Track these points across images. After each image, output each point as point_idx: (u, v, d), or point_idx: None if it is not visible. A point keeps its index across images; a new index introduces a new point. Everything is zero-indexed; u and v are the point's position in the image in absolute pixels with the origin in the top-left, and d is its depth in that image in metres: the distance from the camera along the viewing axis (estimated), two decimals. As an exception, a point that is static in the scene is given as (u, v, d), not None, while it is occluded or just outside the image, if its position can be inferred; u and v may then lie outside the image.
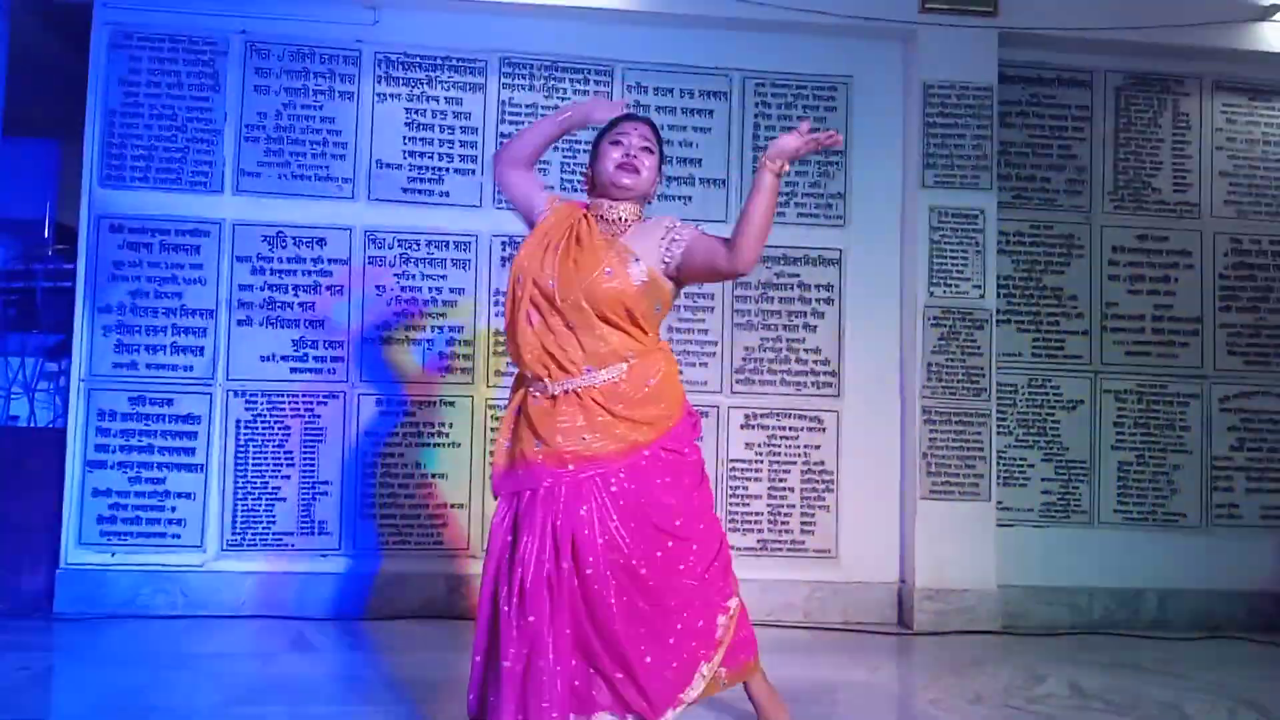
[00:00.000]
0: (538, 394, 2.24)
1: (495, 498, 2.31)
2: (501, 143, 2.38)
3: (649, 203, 2.41)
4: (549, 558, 2.13)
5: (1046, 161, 4.32)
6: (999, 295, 4.14)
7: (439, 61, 4.05)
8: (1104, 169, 4.34)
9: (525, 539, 2.15)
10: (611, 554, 2.15)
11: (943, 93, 4.12)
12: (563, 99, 4.08)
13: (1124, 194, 4.35)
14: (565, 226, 2.30)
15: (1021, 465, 4.21)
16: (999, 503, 4.08)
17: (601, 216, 2.33)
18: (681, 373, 4.01)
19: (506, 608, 2.13)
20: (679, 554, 2.23)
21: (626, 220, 2.33)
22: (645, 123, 2.40)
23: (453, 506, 3.93)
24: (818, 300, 4.17)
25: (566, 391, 2.21)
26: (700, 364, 4.10)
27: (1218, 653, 3.76)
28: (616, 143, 2.34)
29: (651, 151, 2.35)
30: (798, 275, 4.16)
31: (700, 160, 4.15)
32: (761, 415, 4.11)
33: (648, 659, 2.15)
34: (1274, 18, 4.23)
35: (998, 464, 4.09)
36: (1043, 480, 4.22)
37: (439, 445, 3.94)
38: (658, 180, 2.41)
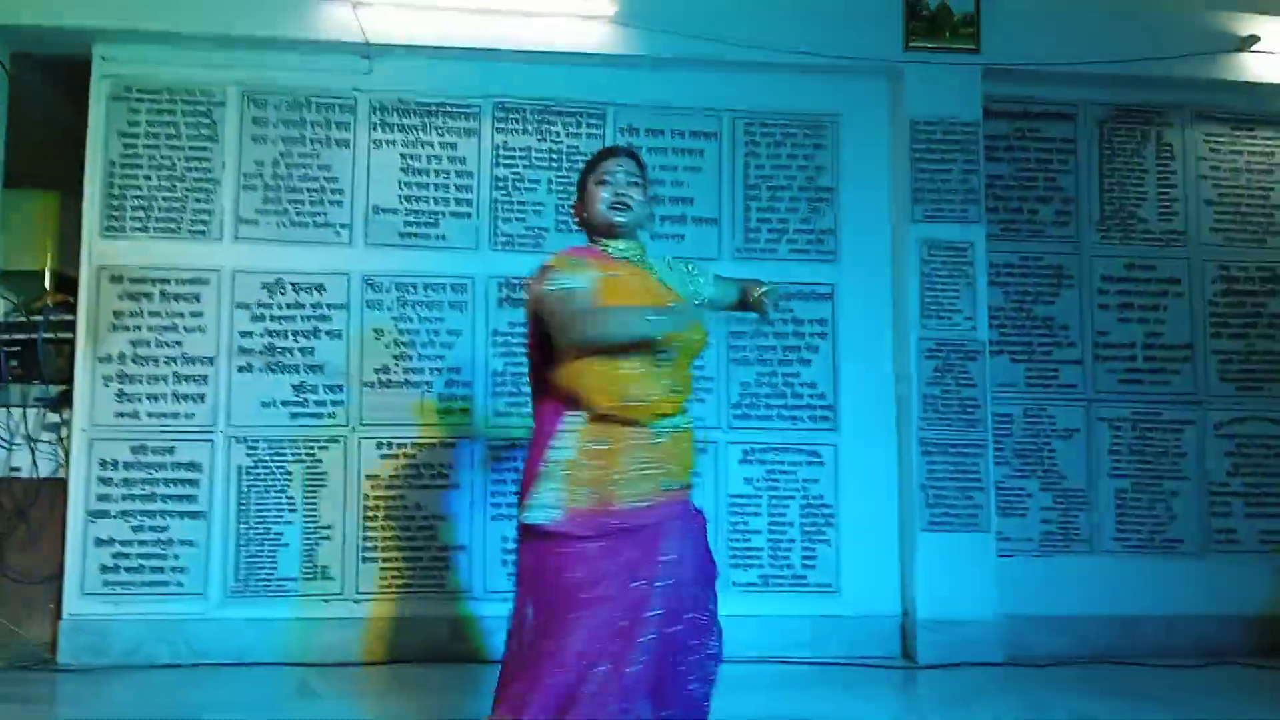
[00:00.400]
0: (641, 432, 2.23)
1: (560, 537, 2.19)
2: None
3: (643, 229, 2.45)
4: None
5: (1034, 194, 4.39)
6: (991, 326, 4.19)
7: (433, 107, 4.11)
8: (1091, 200, 4.41)
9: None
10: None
11: (929, 128, 4.18)
12: (556, 141, 4.14)
13: (1111, 224, 4.41)
14: (628, 274, 2.32)
15: (1020, 495, 4.24)
16: (999, 533, 4.10)
17: (617, 259, 2.36)
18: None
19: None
20: None
21: (639, 259, 2.38)
22: (628, 156, 2.42)
23: (454, 549, 3.94)
24: (812, 334, 4.21)
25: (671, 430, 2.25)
26: (698, 399, 4.13)
27: (1220, 679, 3.77)
28: (603, 182, 2.37)
29: (638, 184, 2.38)
30: (792, 310, 4.20)
31: (692, 199, 4.20)
32: (760, 450, 4.13)
33: None
34: (1253, 48, 4.31)
35: (996, 494, 4.11)
36: (1041, 509, 4.24)
37: (440, 487, 3.95)
38: (650, 210, 2.46)
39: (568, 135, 4.16)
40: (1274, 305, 4.44)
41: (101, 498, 3.82)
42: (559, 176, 4.14)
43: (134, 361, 3.88)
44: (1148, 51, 4.24)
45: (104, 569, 3.80)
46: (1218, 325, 4.40)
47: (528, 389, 3.97)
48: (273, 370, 3.93)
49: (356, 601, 3.87)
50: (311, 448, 3.90)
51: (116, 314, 3.89)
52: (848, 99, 4.28)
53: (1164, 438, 4.32)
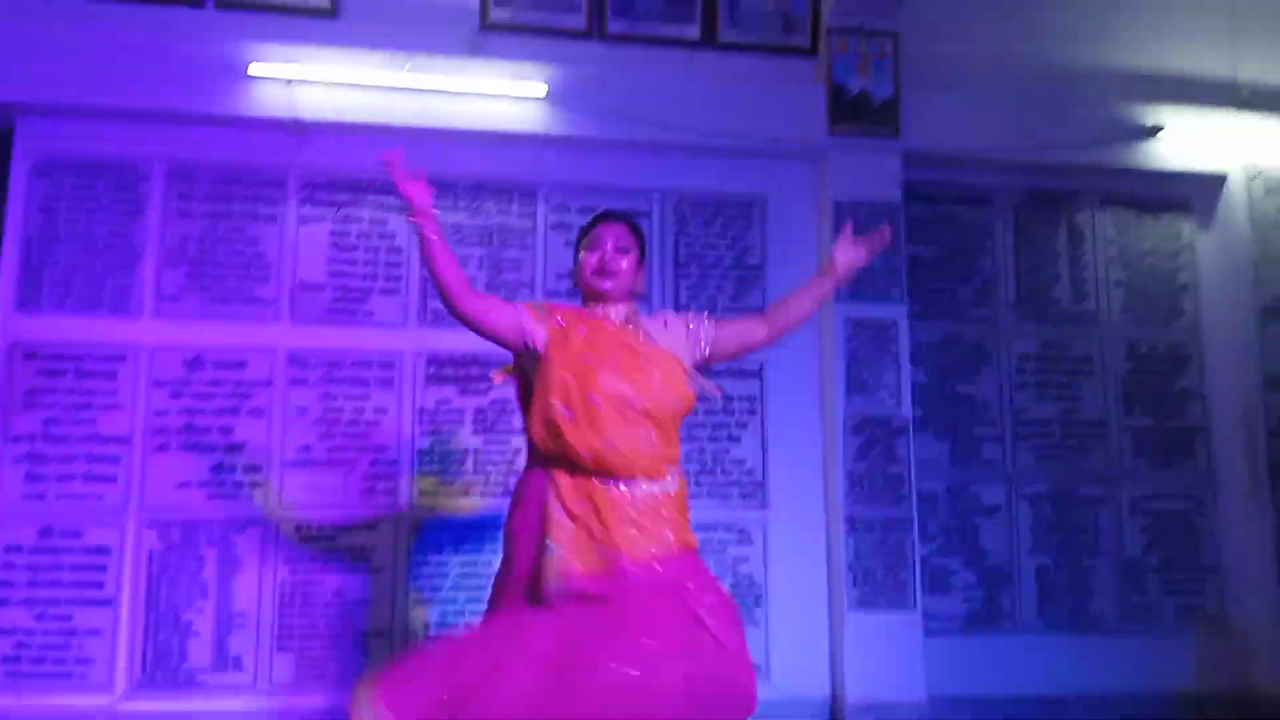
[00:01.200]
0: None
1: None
2: (440, 279, 2.40)
3: (638, 295, 2.50)
4: None
5: (953, 274, 4.52)
6: (915, 404, 4.26)
7: (364, 183, 4.10)
8: (1007, 281, 4.55)
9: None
10: None
11: (853, 210, 4.27)
12: (487, 219, 4.16)
13: (1027, 305, 4.55)
14: (604, 335, 2.36)
15: (945, 572, 4.28)
16: (925, 611, 4.13)
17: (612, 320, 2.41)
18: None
19: None
20: None
21: (629, 321, 2.42)
22: (620, 223, 2.48)
23: (374, 634, 3.84)
24: (741, 411, 4.25)
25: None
26: (627, 478, 4.11)
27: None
28: (592, 248, 2.42)
29: (627, 251, 2.43)
30: (722, 388, 4.22)
31: (623, 277, 4.24)
32: (692, 529, 4.11)
33: None
34: (1157, 137, 4.52)
35: (922, 571, 4.14)
36: (966, 587, 4.29)
37: (360, 570, 3.86)
38: (641, 273, 2.49)
39: (499, 213, 4.19)
40: (1182, 383, 4.60)
41: (4, 584, 3.66)
42: (490, 253, 4.15)
43: (45, 440, 3.75)
44: (1058, 140, 4.43)
45: (5, 659, 3.62)
46: (1129, 403, 4.54)
47: (455, 468, 4.01)
48: (189, 450, 3.84)
49: (270, 694, 3.73)
50: (227, 530, 3.80)
51: (30, 391, 3.77)
52: (774, 181, 4.38)
53: (1082, 514, 4.42)
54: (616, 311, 2.42)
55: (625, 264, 2.41)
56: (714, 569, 4.02)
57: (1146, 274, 4.67)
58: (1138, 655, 4.30)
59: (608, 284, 2.40)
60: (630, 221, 2.50)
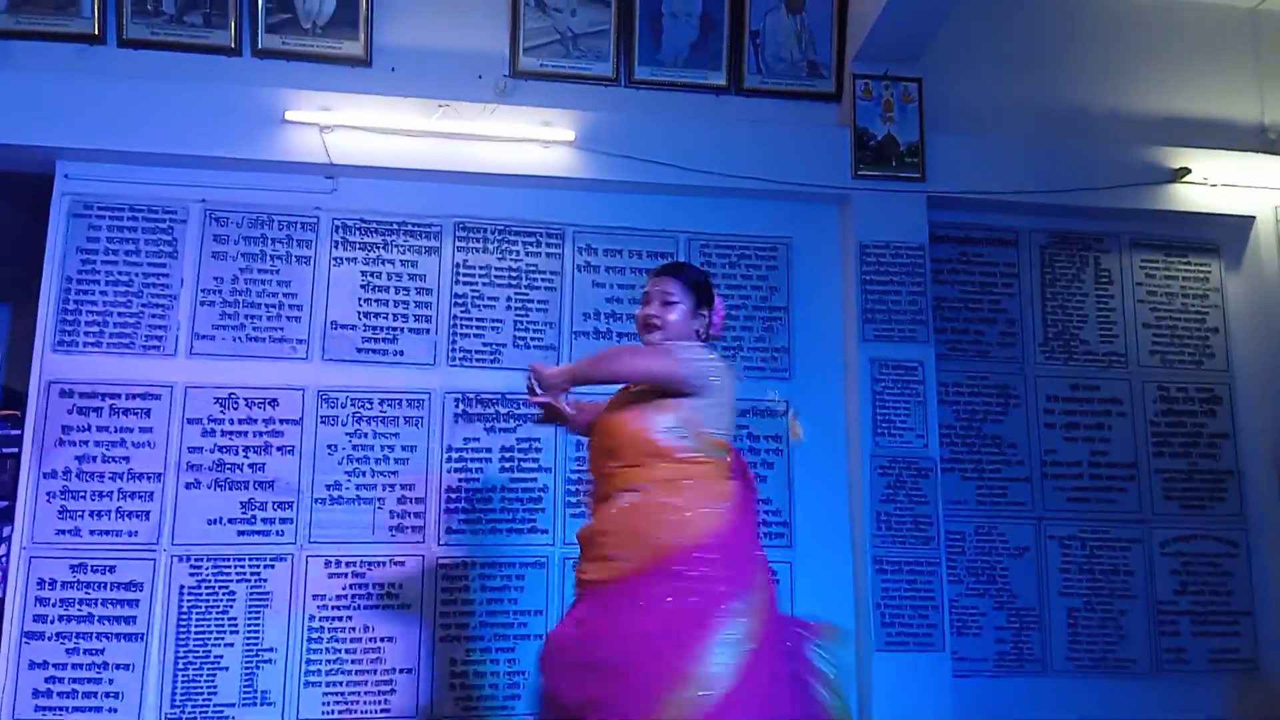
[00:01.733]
0: None
1: None
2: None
3: (712, 340, 2.65)
4: None
5: (979, 315, 4.52)
6: (942, 444, 4.25)
7: (395, 226, 4.18)
8: (1034, 322, 4.55)
9: None
10: None
11: (878, 251, 4.32)
12: (516, 260, 4.22)
13: (1054, 345, 4.54)
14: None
15: (974, 614, 4.24)
16: (954, 652, 4.08)
17: None
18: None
19: None
20: None
21: None
22: (667, 275, 2.62)
23: (401, 671, 3.84)
24: (767, 451, 4.25)
25: None
26: (652, 517, 4.11)
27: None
28: (643, 304, 2.62)
29: (673, 303, 2.57)
30: (747, 426, 4.25)
31: (649, 317, 4.27)
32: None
33: None
34: (1184, 179, 4.53)
35: (950, 613, 4.11)
36: (995, 629, 4.24)
37: (388, 607, 3.88)
38: (700, 320, 2.61)
39: (527, 254, 4.25)
40: (1213, 425, 4.56)
41: (38, 618, 3.70)
42: (518, 294, 4.20)
43: (79, 477, 3.81)
44: (1084, 182, 4.44)
45: (36, 693, 3.65)
46: (1159, 445, 4.51)
47: (481, 505, 4.03)
48: (220, 486, 3.88)
49: (301, 729, 3.75)
50: (257, 566, 3.83)
51: (65, 429, 3.84)
52: (800, 223, 4.42)
53: (1112, 556, 4.37)
54: None
55: (673, 316, 2.55)
56: (740, 609, 4.06)
57: (1175, 316, 4.65)
58: (1169, 697, 4.24)
59: (654, 336, 2.56)
60: (682, 274, 2.63)
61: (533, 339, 4.19)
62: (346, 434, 3.99)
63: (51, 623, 3.70)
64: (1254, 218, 4.64)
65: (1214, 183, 4.54)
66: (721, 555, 2.32)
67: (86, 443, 3.84)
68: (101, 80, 3.95)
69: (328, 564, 3.87)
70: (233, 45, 4.13)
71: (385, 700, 3.80)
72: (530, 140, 4.14)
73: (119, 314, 3.94)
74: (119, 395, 3.89)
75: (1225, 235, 4.71)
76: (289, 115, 3.99)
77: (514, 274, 4.22)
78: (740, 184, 4.24)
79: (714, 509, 2.38)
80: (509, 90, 4.22)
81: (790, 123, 4.40)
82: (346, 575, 3.87)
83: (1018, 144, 4.47)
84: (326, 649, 3.81)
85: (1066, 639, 4.27)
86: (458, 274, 4.18)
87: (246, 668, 3.76)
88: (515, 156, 4.15)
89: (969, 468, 4.37)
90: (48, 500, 3.78)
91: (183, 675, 3.72)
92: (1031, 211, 4.52)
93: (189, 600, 3.77)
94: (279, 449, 3.94)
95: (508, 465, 4.06)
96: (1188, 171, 4.52)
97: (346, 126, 4.02)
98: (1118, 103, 4.66)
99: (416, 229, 4.19)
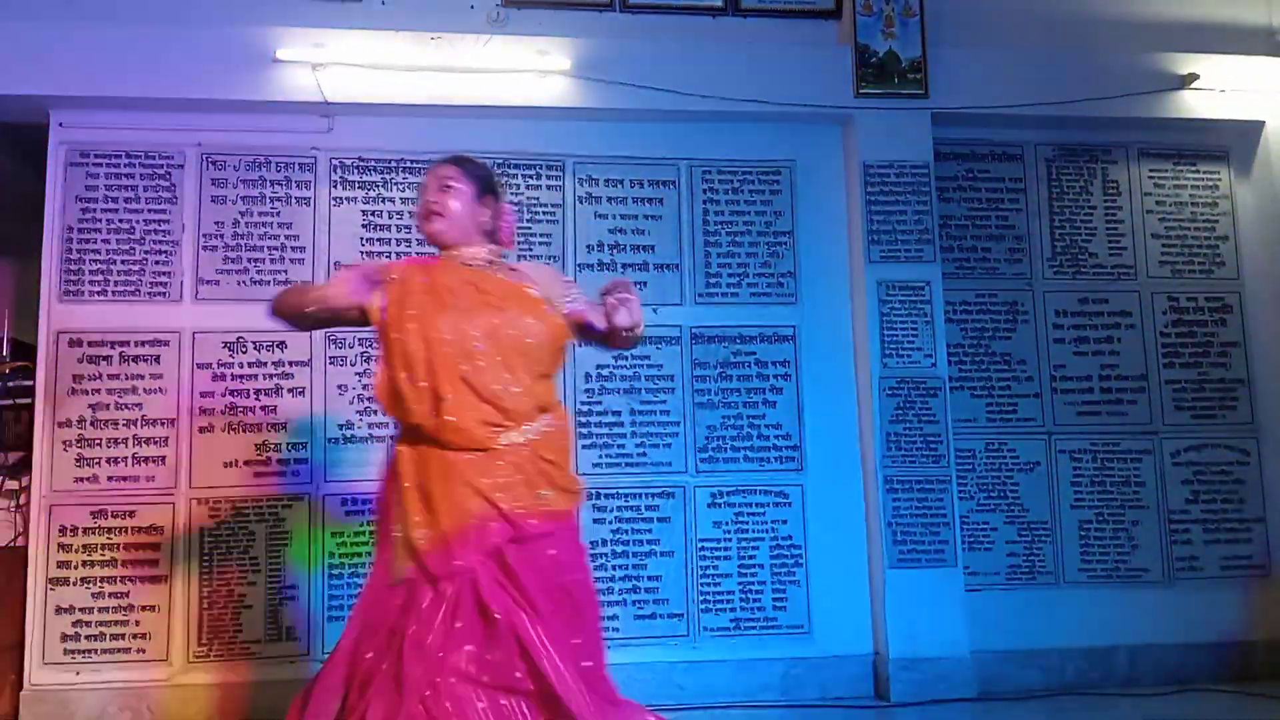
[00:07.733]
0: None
1: None
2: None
3: (498, 239, 2.40)
4: None
5: (986, 232, 4.47)
6: (950, 363, 4.24)
7: (393, 163, 4.14)
8: (1042, 237, 4.50)
9: None
10: None
11: (882, 171, 4.27)
12: (516, 194, 4.18)
13: (1062, 260, 4.50)
14: (440, 280, 2.25)
15: (985, 529, 4.27)
16: (966, 567, 4.12)
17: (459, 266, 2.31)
18: (644, 454, 4.09)
19: None
20: None
21: (483, 266, 2.31)
22: (446, 162, 2.34)
23: (422, 603, 3.90)
24: (776, 376, 4.25)
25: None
26: (664, 444, 4.15)
27: (1191, 707, 3.79)
28: (421, 195, 2.34)
29: (452, 187, 2.29)
30: (754, 353, 4.24)
31: (653, 246, 4.25)
32: (728, 493, 4.15)
33: None
34: (1193, 85, 4.44)
35: (961, 529, 4.14)
36: (1007, 543, 4.27)
37: (406, 542, 3.92)
38: (484, 213, 2.34)
39: (528, 187, 4.21)
40: (1223, 334, 4.53)
41: (61, 564, 3.76)
42: (520, 228, 4.17)
43: (93, 425, 3.84)
44: (1090, 92, 4.36)
45: (64, 637, 3.72)
46: (1169, 356, 4.49)
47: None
48: (233, 430, 3.91)
49: (322, 661, 3.80)
50: (275, 506, 3.87)
51: (75, 378, 3.86)
52: (802, 145, 4.36)
53: (1123, 468, 4.38)
54: (473, 255, 2.32)
55: (454, 203, 2.27)
56: (753, 532, 4.10)
57: (1184, 226, 4.59)
58: (1182, 606, 4.27)
59: (434, 224, 2.28)
60: (461, 161, 2.35)
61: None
62: (356, 374, 4.00)
63: (75, 568, 3.76)
64: (1263, 122, 4.56)
65: (1222, 88, 4.46)
66: None
67: (99, 391, 3.86)
68: (91, 25, 3.89)
69: (344, 502, 3.92)
70: (220, -17, 4.06)
71: (407, 632, 3.87)
72: (526, 70, 4.07)
73: (122, 261, 3.94)
74: (128, 343, 3.90)
75: (1234, 141, 4.63)
76: (280, 54, 3.93)
77: (515, 207, 4.19)
78: (740, 107, 4.18)
79: None
80: (502, 19, 4.15)
81: (789, 42, 4.32)
82: (362, 512, 3.91)
83: (1022, 55, 4.38)
84: (347, 584, 3.86)
85: (1079, 550, 4.29)
86: (459, 210, 4.15)
87: (270, 605, 3.82)
88: (512, 88, 4.10)
89: (978, 385, 4.36)
90: (64, 449, 3.82)
91: (208, 614, 3.79)
92: (1037, 125, 4.45)
93: (209, 541, 3.83)
94: (290, 390, 3.96)
95: (517, 399, 4.07)
96: (1196, 77, 4.43)
97: (339, 63, 3.96)
98: (1123, 8, 4.56)
99: (415, 165, 4.15)
